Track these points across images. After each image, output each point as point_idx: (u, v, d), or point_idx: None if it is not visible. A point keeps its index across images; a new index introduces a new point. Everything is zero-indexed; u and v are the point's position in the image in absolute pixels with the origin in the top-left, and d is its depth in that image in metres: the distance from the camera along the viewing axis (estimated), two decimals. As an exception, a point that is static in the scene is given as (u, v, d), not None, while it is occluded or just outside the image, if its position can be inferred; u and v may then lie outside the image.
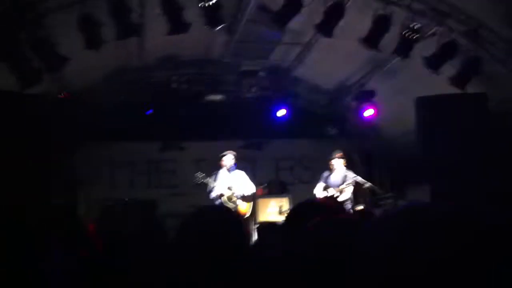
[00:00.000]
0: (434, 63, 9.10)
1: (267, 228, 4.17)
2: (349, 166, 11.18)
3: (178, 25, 8.57)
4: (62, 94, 11.03)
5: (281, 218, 11.63)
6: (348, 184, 10.59)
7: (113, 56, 10.73)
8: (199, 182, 10.77)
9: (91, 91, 12.20)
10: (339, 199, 10.43)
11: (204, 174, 10.82)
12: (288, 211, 2.93)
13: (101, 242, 3.66)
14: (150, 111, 13.13)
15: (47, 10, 8.34)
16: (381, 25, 8.81)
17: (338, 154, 10.82)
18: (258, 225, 10.29)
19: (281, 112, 13.43)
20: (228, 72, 12.63)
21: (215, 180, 10.62)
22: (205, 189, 10.67)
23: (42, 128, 8.43)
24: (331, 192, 10.61)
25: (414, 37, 8.85)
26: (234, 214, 2.19)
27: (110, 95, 12.87)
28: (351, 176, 10.68)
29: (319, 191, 10.81)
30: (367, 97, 11.93)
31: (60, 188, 12.67)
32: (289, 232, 2.59)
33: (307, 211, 2.26)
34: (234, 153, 10.79)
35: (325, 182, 10.88)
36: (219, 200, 10.51)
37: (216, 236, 2.04)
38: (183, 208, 11.49)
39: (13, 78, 8.47)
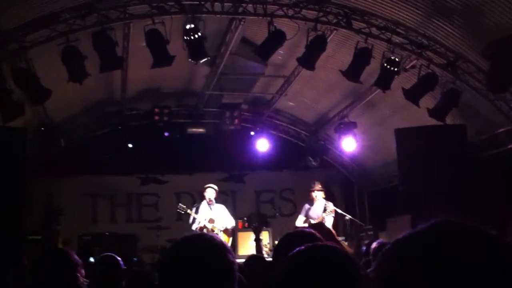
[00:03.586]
0: (414, 94, 9.24)
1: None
2: (329, 197, 11.22)
3: (162, 58, 8.59)
4: (43, 127, 10.95)
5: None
6: (329, 212, 10.58)
7: (95, 88, 10.71)
8: (182, 212, 10.73)
9: (72, 123, 12.11)
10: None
11: (185, 206, 10.80)
12: (277, 241, 2.84)
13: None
14: (131, 144, 13.04)
15: (30, 42, 8.31)
16: (362, 57, 8.95)
17: (318, 186, 10.84)
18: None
19: (262, 144, 13.47)
20: (210, 105, 12.67)
21: (196, 213, 10.59)
22: (186, 222, 10.60)
23: (20, 160, 8.36)
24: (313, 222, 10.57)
25: (395, 70, 8.99)
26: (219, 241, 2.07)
27: (91, 127, 12.79)
28: (331, 207, 10.70)
29: (300, 224, 10.76)
30: (348, 128, 12.01)
31: (38, 221, 12.47)
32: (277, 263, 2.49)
33: (296, 240, 2.21)
34: (216, 187, 10.75)
35: (306, 214, 10.86)
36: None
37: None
38: (164, 242, 11.42)
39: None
